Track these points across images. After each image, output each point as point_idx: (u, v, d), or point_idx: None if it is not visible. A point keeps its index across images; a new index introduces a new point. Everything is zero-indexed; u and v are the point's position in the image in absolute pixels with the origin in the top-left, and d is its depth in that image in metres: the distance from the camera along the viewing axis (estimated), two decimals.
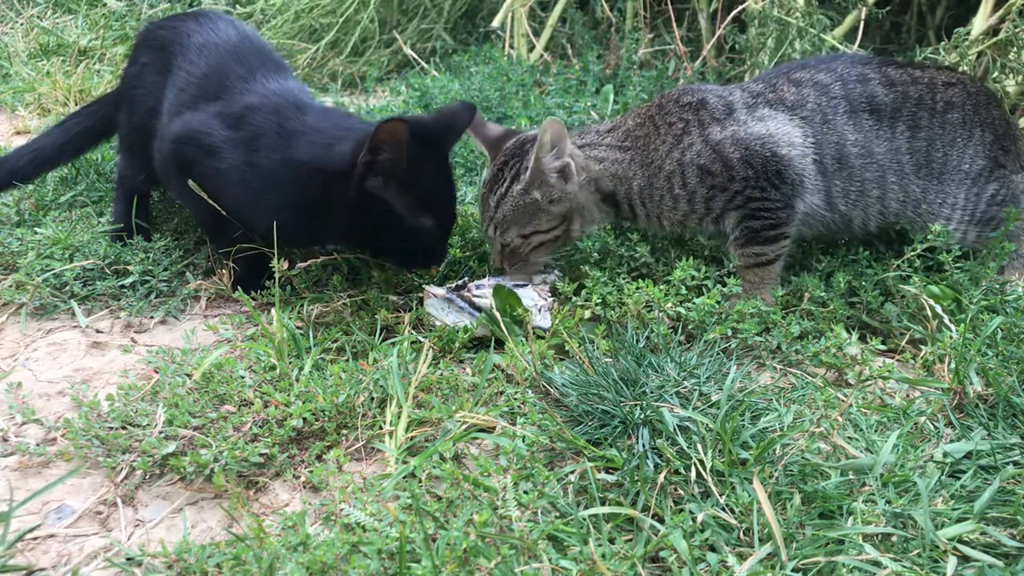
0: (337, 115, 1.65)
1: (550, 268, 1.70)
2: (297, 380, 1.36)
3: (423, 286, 1.63)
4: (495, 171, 1.65)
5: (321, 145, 1.52)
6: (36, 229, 1.82)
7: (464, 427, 1.28)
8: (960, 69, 2.15)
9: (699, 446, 1.18)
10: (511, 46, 3.07)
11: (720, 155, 1.57)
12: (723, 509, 1.10)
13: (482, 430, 1.28)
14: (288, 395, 1.31)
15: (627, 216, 1.68)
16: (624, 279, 1.60)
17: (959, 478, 1.16)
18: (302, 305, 1.60)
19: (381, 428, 1.30)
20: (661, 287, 1.52)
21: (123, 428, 1.27)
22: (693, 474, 1.15)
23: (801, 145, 1.57)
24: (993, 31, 2.29)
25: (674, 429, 1.21)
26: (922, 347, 1.47)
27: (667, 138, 1.61)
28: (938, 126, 1.63)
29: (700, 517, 1.07)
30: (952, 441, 1.25)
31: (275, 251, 1.49)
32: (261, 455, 1.21)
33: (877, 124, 1.61)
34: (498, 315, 1.48)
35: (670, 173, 1.60)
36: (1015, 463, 1.18)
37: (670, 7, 2.88)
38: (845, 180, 1.61)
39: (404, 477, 1.18)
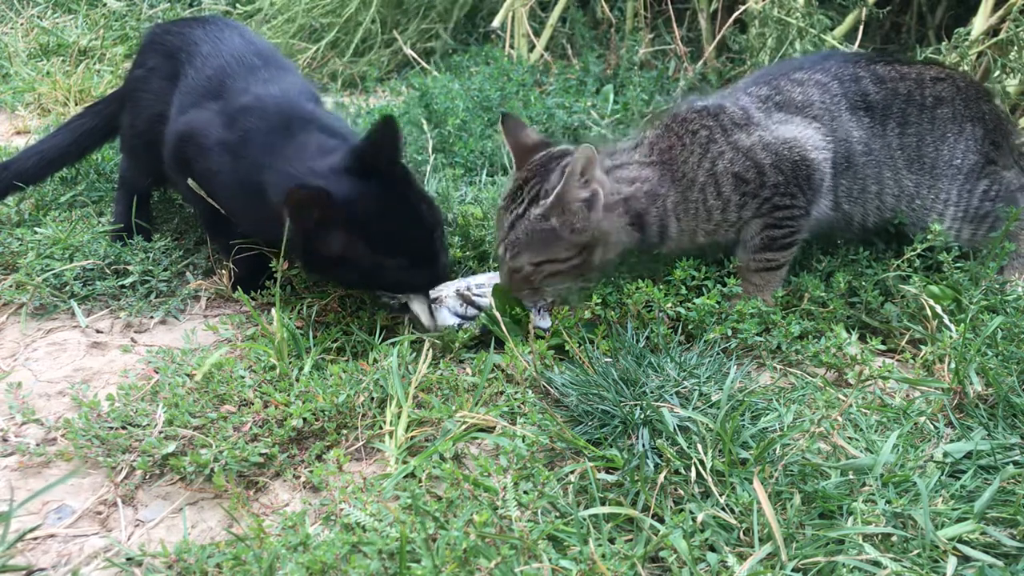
0: (319, 138, 1.56)
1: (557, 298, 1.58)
2: (297, 380, 1.36)
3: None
4: (516, 187, 1.52)
5: (285, 180, 1.43)
6: (36, 229, 1.82)
7: (464, 427, 1.28)
8: (960, 69, 2.15)
9: (699, 446, 1.18)
10: (511, 46, 3.07)
11: (753, 161, 1.53)
12: (723, 509, 1.10)
13: (482, 430, 1.28)
14: (288, 395, 1.31)
15: (654, 238, 1.56)
16: (624, 279, 1.60)
17: (959, 478, 1.16)
18: (302, 305, 1.60)
19: (381, 428, 1.30)
20: (661, 287, 1.52)
21: (123, 428, 1.27)
22: (693, 474, 1.15)
23: (824, 148, 1.56)
24: (993, 31, 2.29)
25: (674, 429, 1.21)
26: (922, 347, 1.47)
27: (694, 148, 1.55)
28: (927, 121, 1.63)
29: (700, 517, 1.07)
30: (952, 441, 1.25)
31: (275, 251, 1.49)
32: (261, 455, 1.21)
33: (872, 122, 1.61)
34: (498, 315, 1.48)
35: (704, 184, 1.54)
36: (1015, 463, 1.18)
37: (670, 7, 2.88)
38: (850, 179, 1.61)
39: (404, 477, 1.18)
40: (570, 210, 1.45)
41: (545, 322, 1.51)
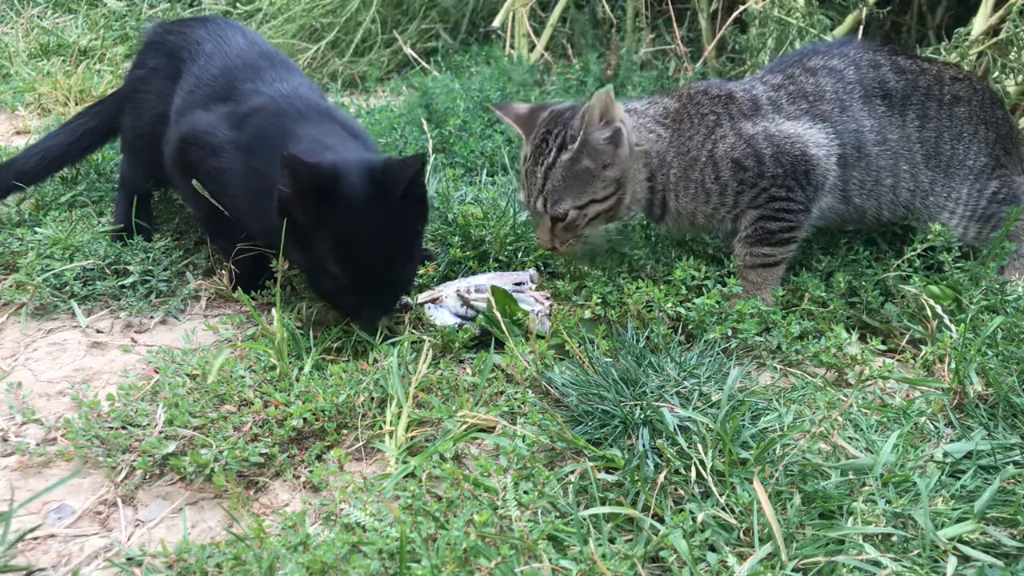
0: (331, 127, 1.58)
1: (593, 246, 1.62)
2: (297, 380, 1.36)
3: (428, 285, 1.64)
4: (537, 143, 1.58)
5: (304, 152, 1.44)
6: (36, 229, 1.82)
7: (464, 427, 1.28)
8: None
9: (699, 446, 1.18)
10: (511, 46, 3.07)
11: (753, 149, 1.56)
12: (723, 509, 1.10)
13: (482, 430, 1.28)
14: (288, 395, 1.31)
15: (657, 208, 1.62)
16: (624, 279, 1.60)
17: (959, 478, 1.16)
18: (302, 305, 1.60)
19: (381, 428, 1.30)
20: (661, 287, 1.52)
21: (123, 428, 1.27)
22: (693, 474, 1.15)
23: (827, 145, 1.57)
24: (993, 31, 2.29)
25: (674, 429, 1.21)
26: (922, 347, 1.47)
27: (700, 128, 1.60)
28: (946, 118, 1.64)
29: (700, 517, 1.07)
30: (952, 441, 1.25)
31: (275, 251, 1.49)
32: (261, 455, 1.21)
33: (889, 111, 1.62)
34: (498, 315, 1.48)
35: (704, 165, 1.58)
36: (1015, 463, 1.18)
37: (671, 7, 2.89)
38: (862, 171, 1.61)
39: (404, 477, 1.18)
40: (598, 149, 1.53)
41: (544, 327, 1.51)
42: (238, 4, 3.57)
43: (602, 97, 1.49)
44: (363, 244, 1.43)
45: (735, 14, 2.63)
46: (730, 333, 1.47)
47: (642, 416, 1.24)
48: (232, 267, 1.68)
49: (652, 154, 1.59)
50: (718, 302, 1.50)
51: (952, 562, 1.00)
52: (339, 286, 1.45)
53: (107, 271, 1.72)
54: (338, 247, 1.42)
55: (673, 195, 1.61)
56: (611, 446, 1.23)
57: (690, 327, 1.51)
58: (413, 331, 1.54)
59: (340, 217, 1.41)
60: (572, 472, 1.18)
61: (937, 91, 1.64)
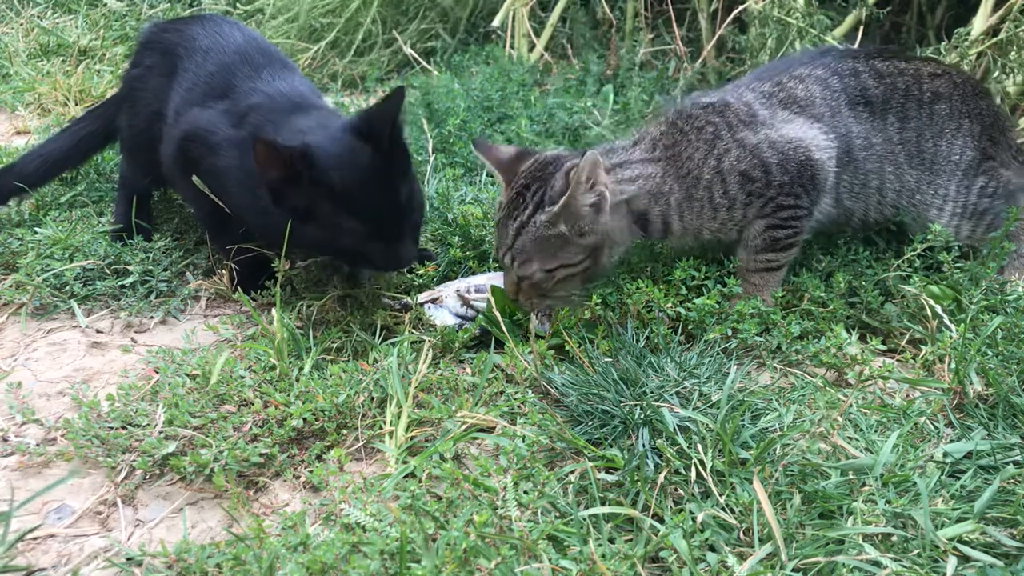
0: (325, 119, 1.59)
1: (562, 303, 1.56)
2: (297, 380, 1.36)
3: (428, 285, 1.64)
4: (514, 196, 1.50)
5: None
6: (36, 229, 1.82)
7: (464, 427, 1.28)
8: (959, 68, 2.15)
9: (699, 446, 1.18)
10: (511, 46, 3.07)
11: (759, 159, 1.52)
12: (723, 509, 1.10)
13: (482, 430, 1.28)
14: (288, 395, 1.31)
15: (658, 233, 1.56)
16: (624, 279, 1.60)
17: (959, 478, 1.16)
18: (302, 305, 1.60)
19: (381, 428, 1.30)
20: (661, 287, 1.52)
21: (123, 428, 1.27)
22: (693, 474, 1.15)
23: (828, 146, 1.56)
24: (993, 31, 2.29)
25: (674, 429, 1.21)
26: (922, 347, 1.47)
27: (699, 144, 1.53)
28: (926, 116, 1.63)
29: (700, 517, 1.07)
30: (952, 441, 1.25)
31: (275, 251, 1.49)
32: (261, 455, 1.21)
33: (872, 116, 1.61)
34: (498, 315, 1.48)
35: (709, 182, 1.53)
36: (1015, 463, 1.18)
37: (670, 7, 2.88)
38: (851, 174, 1.61)
39: (404, 477, 1.18)
40: (578, 215, 1.44)
41: (544, 326, 1.51)
42: (238, 4, 3.57)
43: (592, 159, 1.40)
44: (366, 193, 1.43)
45: (735, 14, 2.63)
46: (730, 333, 1.47)
47: (642, 416, 1.24)
48: (232, 267, 1.68)
49: (642, 196, 1.51)
50: (718, 302, 1.50)
51: (952, 562, 1.00)
52: (360, 236, 1.44)
53: (107, 271, 1.72)
54: (342, 204, 1.42)
55: (677, 217, 1.54)
56: (611, 446, 1.23)
57: (690, 327, 1.51)
58: (413, 331, 1.54)
59: (328, 184, 1.41)
60: (572, 472, 1.18)
61: (916, 90, 1.63)
